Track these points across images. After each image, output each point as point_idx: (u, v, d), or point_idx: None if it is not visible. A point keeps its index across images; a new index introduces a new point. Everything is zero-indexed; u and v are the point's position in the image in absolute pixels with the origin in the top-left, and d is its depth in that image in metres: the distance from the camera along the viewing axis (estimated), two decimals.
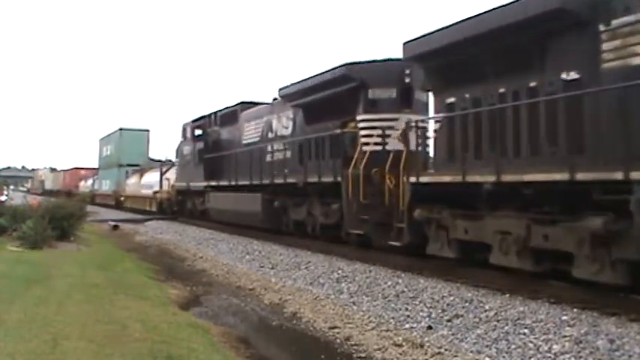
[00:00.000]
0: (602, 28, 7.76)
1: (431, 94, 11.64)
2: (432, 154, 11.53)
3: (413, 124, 11.77)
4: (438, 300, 8.73)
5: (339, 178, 13.04)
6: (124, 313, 8.02)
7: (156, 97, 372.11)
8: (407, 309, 8.74)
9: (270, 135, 17.71)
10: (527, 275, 8.74)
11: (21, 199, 26.16)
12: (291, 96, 15.92)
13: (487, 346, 6.93)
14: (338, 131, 13.59)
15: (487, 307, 7.97)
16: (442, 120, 10.73)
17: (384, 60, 13.42)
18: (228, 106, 21.99)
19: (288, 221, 16.20)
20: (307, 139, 15.07)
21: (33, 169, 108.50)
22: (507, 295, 8.41)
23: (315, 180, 14.00)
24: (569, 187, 7.67)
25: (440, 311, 8.32)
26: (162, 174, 30.25)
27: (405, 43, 11.13)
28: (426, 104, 13.17)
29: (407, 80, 13.02)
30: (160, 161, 36.82)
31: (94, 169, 52.53)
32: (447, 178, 9.97)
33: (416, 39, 10.90)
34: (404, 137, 11.91)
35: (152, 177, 32.62)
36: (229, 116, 21.41)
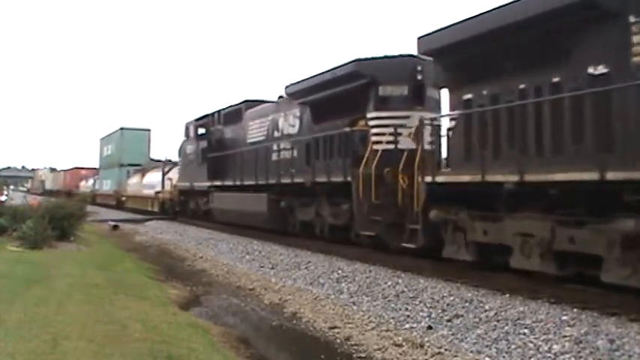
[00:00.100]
0: (632, 19, 7.39)
1: (446, 91, 11.22)
2: (445, 152, 11.14)
3: (427, 121, 11.36)
4: (438, 300, 8.73)
5: (349, 178, 12.71)
6: (124, 313, 8.02)
7: (157, 96, 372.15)
8: (407, 309, 8.74)
9: (276, 134, 17.31)
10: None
11: (21, 199, 26.16)
12: (298, 93, 15.57)
13: (487, 346, 6.93)
14: (347, 129, 13.23)
15: (487, 307, 7.97)
16: (458, 117, 10.27)
17: (396, 56, 13.09)
18: (232, 104, 21.64)
19: (295, 222, 15.91)
20: (315, 138, 14.68)
21: (33, 169, 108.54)
22: (507, 295, 8.41)
23: (324, 180, 13.66)
24: (597, 187, 7.32)
25: (440, 311, 8.32)
26: (164, 174, 29.99)
27: (419, 38, 10.73)
28: (439, 101, 12.99)
29: (419, 77, 12.71)
30: (159, 161, 36.73)
31: (95, 169, 52.55)
32: (465, 178, 9.50)
33: (431, 33, 10.48)
34: (417, 135, 11.43)
35: (154, 177, 32.35)
36: (233, 115, 21.05)
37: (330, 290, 10.62)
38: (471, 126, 9.88)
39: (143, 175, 35.24)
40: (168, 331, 7.31)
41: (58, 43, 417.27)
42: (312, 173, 14.30)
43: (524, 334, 6.95)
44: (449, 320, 7.95)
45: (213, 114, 23.07)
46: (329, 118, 14.14)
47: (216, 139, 22.04)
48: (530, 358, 6.43)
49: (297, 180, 14.99)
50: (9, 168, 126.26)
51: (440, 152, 11.39)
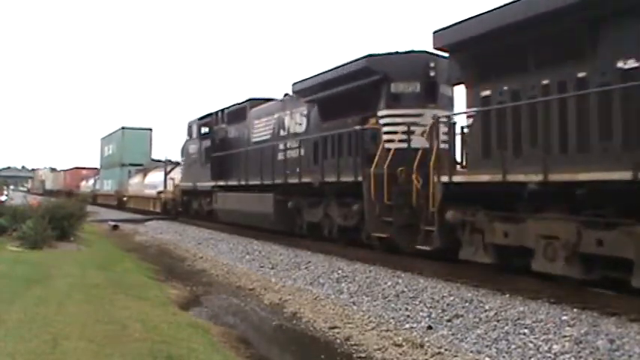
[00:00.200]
0: None
1: (463, 87, 10.67)
2: (461, 151, 10.67)
3: (444, 119, 10.92)
4: (438, 300, 8.73)
5: (360, 178, 12.30)
6: (124, 313, 8.02)
7: (158, 95, 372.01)
8: (407, 309, 8.75)
9: (282, 132, 16.85)
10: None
11: (21, 199, 26.18)
12: (305, 91, 15.17)
13: (487, 346, 6.93)
14: (358, 128, 12.76)
15: (487, 307, 7.97)
16: (476, 115, 9.83)
17: (408, 52, 12.71)
18: (236, 102, 21.17)
19: (302, 223, 15.50)
20: (323, 137, 14.21)
21: (33, 169, 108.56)
22: (507, 295, 8.41)
23: (334, 180, 13.26)
24: (628, 187, 6.98)
25: (440, 311, 8.32)
26: (166, 173, 29.60)
27: (435, 32, 10.31)
28: (452, 99, 12.68)
29: (431, 74, 12.37)
30: (159, 161, 36.64)
31: (96, 169, 52.52)
32: (484, 178, 9.07)
33: (448, 27, 10.07)
34: (432, 134, 10.99)
35: (156, 177, 31.98)
36: (238, 113, 20.56)
37: (330, 290, 10.63)
38: (490, 124, 9.46)
39: (145, 175, 34.91)
40: (168, 331, 7.31)
41: (58, 41, 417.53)
42: (320, 173, 13.90)
43: (524, 334, 6.95)
44: (449, 320, 7.96)
45: (216, 113, 22.57)
46: (338, 116, 13.77)
47: (219, 139, 21.55)
48: (530, 358, 6.43)
49: (305, 180, 14.58)
50: (9, 168, 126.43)
51: (455, 151, 10.84)
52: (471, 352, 6.88)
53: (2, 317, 7.04)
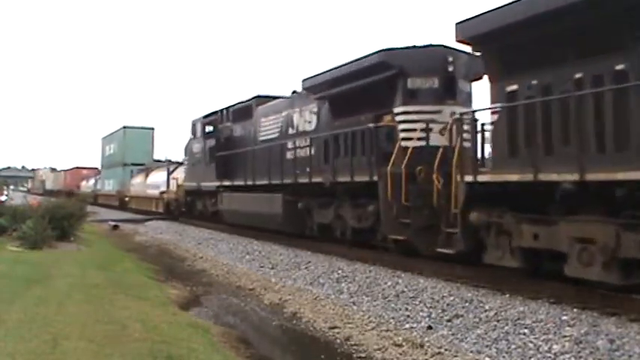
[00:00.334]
0: None
1: (481, 82, 10.25)
2: (483, 149, 10.12)
3: (468, 116, 10.25)
4: (438, 300, 8.73)
5: (375, 178, 11.77)
6: (124, 313, 8.03)
7: (160, 94, 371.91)
8: (407, 309, 8.75)
9: (290, 131, 16.23)
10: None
11: (21, 199, 26.19)
12: (316, 87, 14.58)
13: (487, 346, 6.93)
14: (372, 125, 12.28)
15: (487, 307, 7.98)
16: (501, 111, 9.29)
17: (425, 46, 12.15)
18: (241, 100, 20.48)
19: (312, 224, 14.94)
20: (335, 135, 13.63)
21: (33, 169, 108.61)
22: (507, 295, 8.41)
23: (347, 179, 12.71)
24: None
25: (440, 311, 8.33)
26: (169, 173, 29.35)
27: (457, 24, 9.76)
28: (470, 95, 12.30)
29: (450, 68, 11.80)
30: (159, 161, 36.55)
31: (96, 168, 52.47)
32: (513, 177, 8.55)
33: (471, 18, 9.52)
34: (453, 131, 10.56)
35: (159, 177, 31.57)
36: (243, 111, 19.90)
37: (330, 290, 10.63)
38: (517, 120, 8.92)
39: (147, 175, 34.44)
40: (168, 331, 7.32)
41: (58, 39, 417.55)
42: (332, 172, 13.37)
43: (524, 334, 6.96)
44: (449, 320, 7.96)
45: (221, 111, 21.91)
46: (350, 113, 13.21)
47: (225, 137, 20.90)
48: (530, 358, 6.44)
49: (316, 180, 14.04)
50: (9, 168, 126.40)
51: (476, 149, 10.15)
52: (471, 352, 6.89)
53: (2, 317, 7.04)
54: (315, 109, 15.04)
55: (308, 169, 14.54)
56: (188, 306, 10.31)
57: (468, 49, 10.53)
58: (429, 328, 7.87)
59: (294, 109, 16.23)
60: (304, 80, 15.10)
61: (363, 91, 12.77)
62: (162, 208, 30.11)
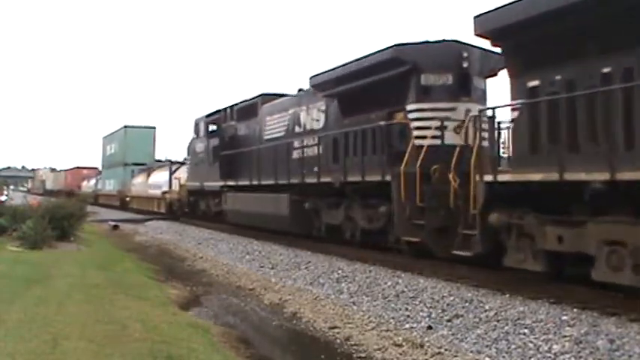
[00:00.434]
0: None
1: (496, 79, 9.91)
2: (502, 148, 9.68)
3: (489, 112, 9.86)
4: (438, 300, 8.73)
5: (387, 177, 11.39)
6: (124, 313, 8.03)
7: (162, 92, 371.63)
8: (407, 309, 8.75)
9: (297, 129, 15.85)
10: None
11: (21, 199, 26.20)
12: (324, 85, 14.23)
13: (487, 346, 6.94)
14: (383, 123, 11.90)
15: (487, 307, 7.98)
16: (522, 107, 8.87)
17: (439, 41, 11.79)
18: (245, 99, 20.08)
19: (321, 225, 14.58)
20: (344, 133, 13.24)
21: (33, 169, 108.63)
22: (507, 295, 8.41)
23: (358, 179, 12.31)
24: None
25: (440, 311, 8.33)
26: (171, 173, 29.15)
27: (476, 17, 9.38)
28: (485, 92, 12.03)
29: (464, 64, 11.45)
30: (160, 161, 36.49)
31: (97, 168, 52.43)
32: (536, 177, 8.15)
33: (491, 11, 9.14)
34: (470, 129, 10.24)
35: (161, 176, 31.34)
36: (248, 110, 19.47)
37: (330, 290, 10.63)
38: (539, 117, 8.52)
39: (149, 175, 34.19)
40: (168, 331, 7.32)
41: (58, 38, 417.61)
42: (341, 172, 12.97)
43: (524, 334, 6.96)
44: (449, 320, 7.96)
45: (225, 109, 21.60)
46: (361, 111, 12.81)
47: (229, 136, 20.53)
48: (530, 358, 6.43)
49: (325, 179, 13.64)
50: (9, 168, 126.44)
51: (494, 148, 9.77)
52: (471, 352, 6.89)
53: (2, 317, 7.05)
54: (324, 107, 14.69)
55: (316, 169, 14.18)
56: (188, 306, 10.32)
57: (485, 43, 10.12)
58: (429, 328, 7.87)
59: (301, 107, 15.87)
60: (312, 77, 14.79)
61: (374, 88, 12.40)
62: (164, 208, 29.87)
